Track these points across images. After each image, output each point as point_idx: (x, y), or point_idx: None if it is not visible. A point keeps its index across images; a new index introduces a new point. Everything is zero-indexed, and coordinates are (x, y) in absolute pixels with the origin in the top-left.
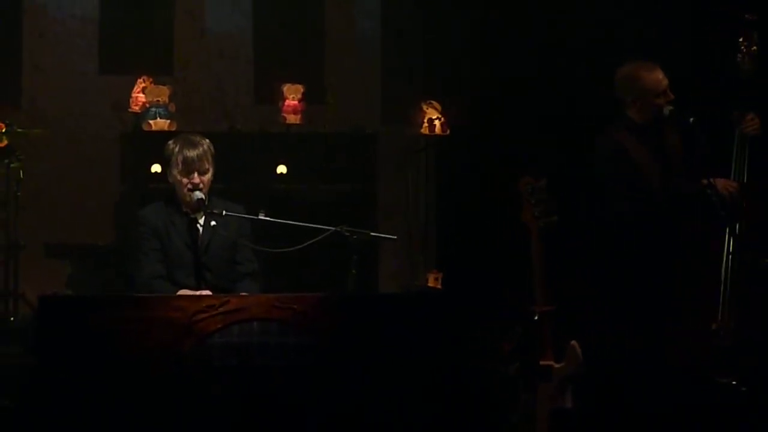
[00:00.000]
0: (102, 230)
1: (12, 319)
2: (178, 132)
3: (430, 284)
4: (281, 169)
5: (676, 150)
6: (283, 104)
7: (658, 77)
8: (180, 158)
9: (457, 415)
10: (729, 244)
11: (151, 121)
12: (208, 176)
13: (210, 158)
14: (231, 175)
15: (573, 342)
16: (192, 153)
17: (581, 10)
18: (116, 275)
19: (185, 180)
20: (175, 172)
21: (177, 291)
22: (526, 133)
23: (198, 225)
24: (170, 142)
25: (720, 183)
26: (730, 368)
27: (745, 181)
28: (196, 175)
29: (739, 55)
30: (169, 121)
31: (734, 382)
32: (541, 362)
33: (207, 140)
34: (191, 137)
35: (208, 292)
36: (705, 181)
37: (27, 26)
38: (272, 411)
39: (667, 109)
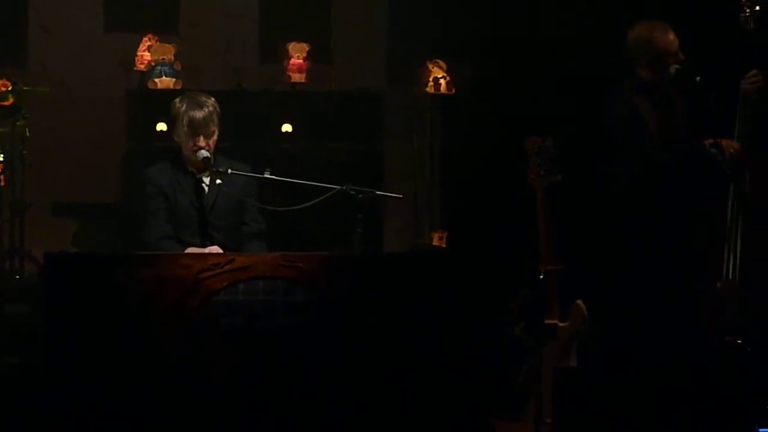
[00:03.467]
0: (108, 188)
1: (18, 277)
2: (184, 90)
3: (435, 243)
4: (287, 127)
5: (683, 112)
6: (289, 63)
7: (670, 38)
8: (186, 119)
9: (462, 374)
10: (732, 203)
11: (156, 80)
12: (213, 138)
13: (216, 119)
14: (236, 133)
15: (578, 301)
16: (198, 115)
17: None
18: (122, 233)
19: (190, 142)
20: (180, 132)
21: (184, 250)
22: (532, 92)
23: (203, 184)
24: (176, 100)
25: (724, 143)
26: (735, 327)
27: (749, 140)
28: (201, 138)
29: (743, 15)
30: (174, 79)
31: (739, 341)
32: (547, 321)
33: (213, 100)
34: (197, 97)
35: (217, 248)
36: (710, 140)
37: None
38: (278, 369)
39: (672, 68)
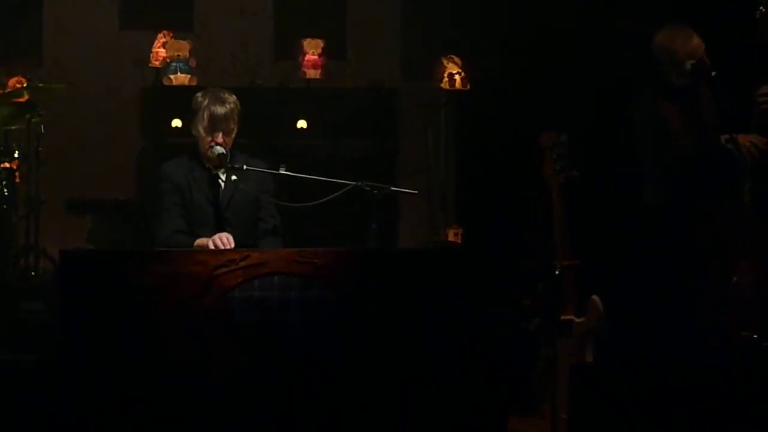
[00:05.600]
0: (123, 185)
1: (33, 274)
2: (199, 87)
3: (451, 239)
4: (301, 124)
5: (711, 116)
6: (303, 59)
7: (694, 44)
8: (206, 114)
9: (477, 371)
10: (749, 196)
11: (171, 76)
12: (232, 135)
13: (236, 117)
14: (251, 130)
15: (594, 297)
16: (219, 111)
17: None
18: (137, 229)
19: (209, 137)
20: (199, 126)
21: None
22: (548, 87)
23: (220, 180)
24: (198, 94)
25: (741, 138)
26: (751, 322)
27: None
28: (220, 134)
29: (759, 12)
30: (189, 75)
31: (755, 336)
32: (563, 317)
33: (234, 97)
34: (220, 93)
35: (227, 235)
36: (727, 136)
37: None
38: (293, 365)
39: (688, 63)
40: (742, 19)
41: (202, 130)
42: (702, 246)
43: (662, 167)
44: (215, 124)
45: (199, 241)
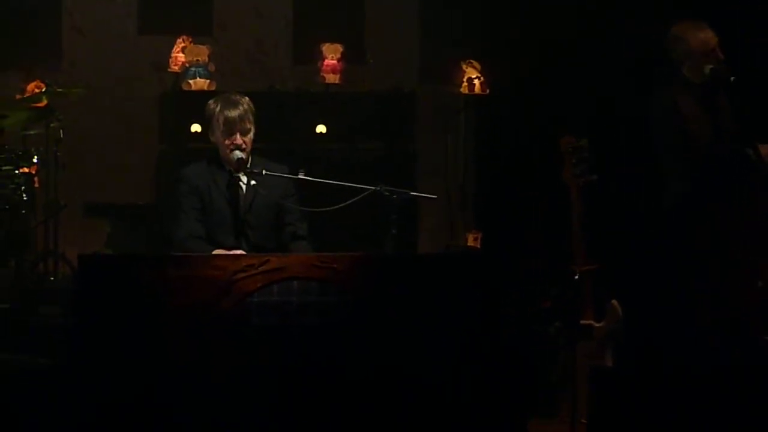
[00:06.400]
0: (141, 190)
1: (52, 278)
2: (218, 92)
3: (470, 244)
4: (320, 128)
5: (727, 112)
6: (322, 64)
7: (706, 37)
8: (221, 119)
9: (496, 375)
10: None
11: (190, 81)
12: (249, 136)
13: (251, 117)
14: (270, 134)
15: (613, 301)
16: (233, 113)
17: None
18: (156, 234)
19: (227, 141)
20: (217, 132)
21: (213, 251)
22: (567, 91)
23: (241, 183)
24: (210, 102)
25: (764, 149)
26: None
27: None
28: (238, 135)
29: None
30: (208, 80)
31: None
32: (582, 321)
33: (247, 98)
34: (231, 97)
35: (241, 252)
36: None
37: None
38: (312, 370)
39: (707, 68)
40: (743, 20)
41: (220, 135)
42: (719, 248)
43: (679, 167)
44: (231, 126)
45: (218, 252)
